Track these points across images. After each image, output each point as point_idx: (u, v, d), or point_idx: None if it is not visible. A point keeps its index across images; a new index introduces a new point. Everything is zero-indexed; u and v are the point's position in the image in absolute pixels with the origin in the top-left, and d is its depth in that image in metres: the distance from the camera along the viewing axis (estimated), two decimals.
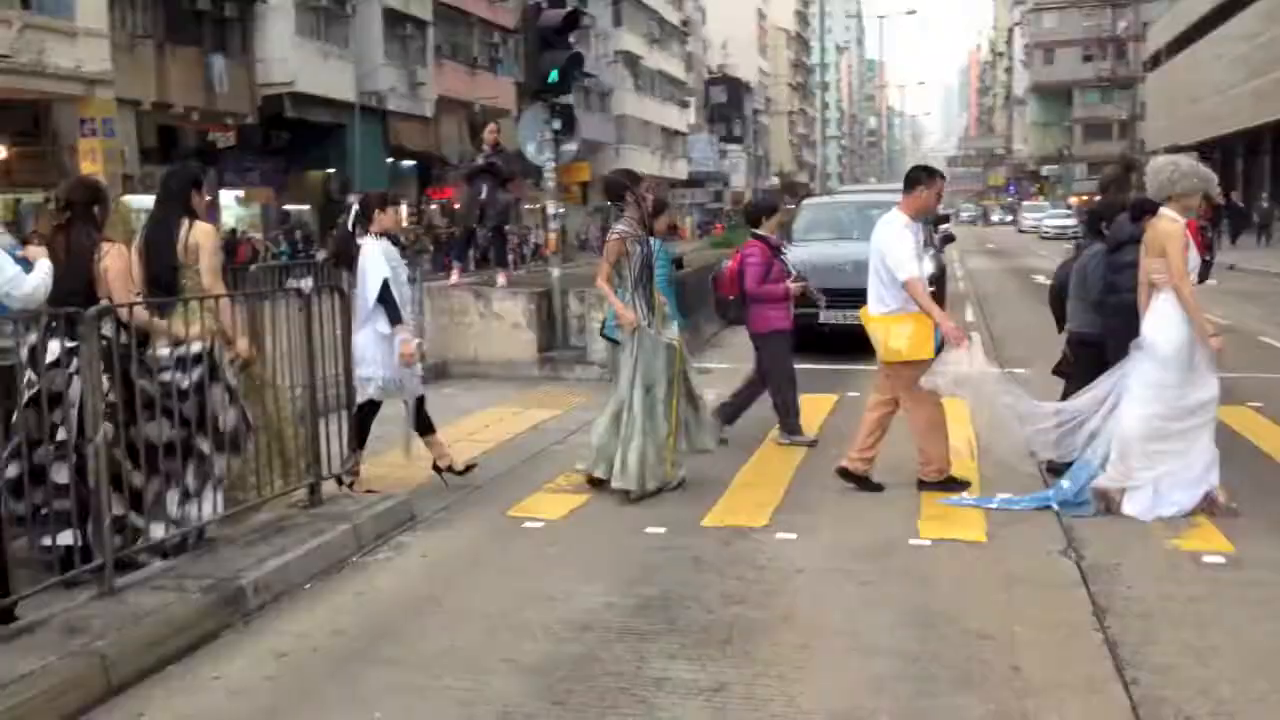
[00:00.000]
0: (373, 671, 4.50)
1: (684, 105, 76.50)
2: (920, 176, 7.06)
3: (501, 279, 12.59)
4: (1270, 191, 42.63)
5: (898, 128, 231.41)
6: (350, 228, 7.02)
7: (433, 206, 43.71)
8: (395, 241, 7.00)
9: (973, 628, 4.82)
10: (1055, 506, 6.47)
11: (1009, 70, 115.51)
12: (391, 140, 37.55)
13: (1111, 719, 4.02)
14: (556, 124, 11.76)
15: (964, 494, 6.85)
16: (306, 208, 35.98)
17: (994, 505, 6.61)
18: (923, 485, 6.97)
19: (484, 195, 12.33)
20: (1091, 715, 4.05)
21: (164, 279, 5.68)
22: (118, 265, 5.32)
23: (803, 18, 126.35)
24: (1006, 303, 20.59)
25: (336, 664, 4.60)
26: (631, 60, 63.64)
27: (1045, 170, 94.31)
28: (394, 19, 37.30)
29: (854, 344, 13.94)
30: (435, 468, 7.23)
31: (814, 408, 9.98)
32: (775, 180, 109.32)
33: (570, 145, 12.09)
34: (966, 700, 4.14)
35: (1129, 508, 6.31)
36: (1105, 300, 7.07)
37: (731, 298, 8.60)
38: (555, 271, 12.04)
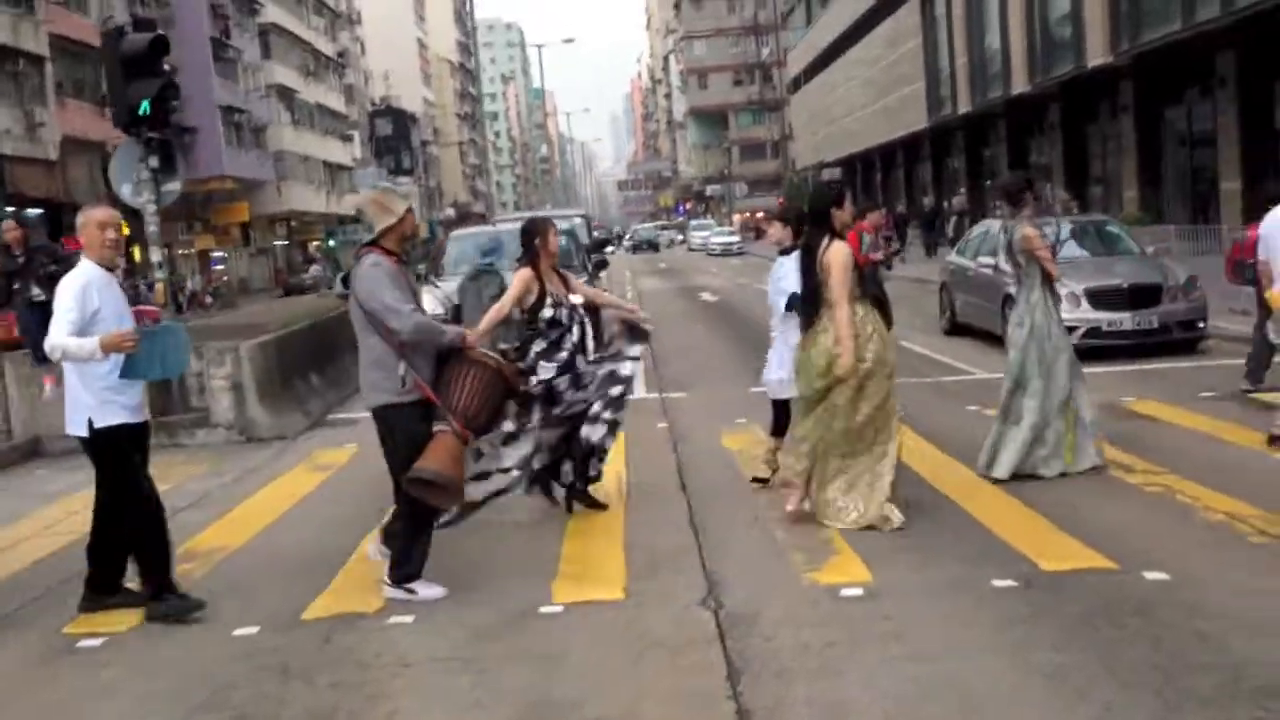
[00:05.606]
0: None
1: (347, 139, 74.39)
2: None
3: (48, 384, 10.65)
4: (908, 199, 46.00)
5: (570, 154, 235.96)
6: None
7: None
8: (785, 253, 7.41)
9: (596, 715, 4.23)
10: None
11: (668, 96, 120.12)
12: (9, 186, 33.91)
13: None
14: (154, 161, 10.47)
15: None
16: None
17: None
18: None
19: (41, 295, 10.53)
20: None
21: None
22: None
23: (465, 48, 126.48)
24: (672, 323, 20.70)
25: None
26: (286, 94, 61.10)
27: (710, 190, 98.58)
28: (4, 54, 33.79)
29: None
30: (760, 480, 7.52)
31: None
32: (451, 211, 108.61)
33: (172, 185, 10.82)
34: None
35: None
36: None
37: (1251, 261, 9.32)
38: None
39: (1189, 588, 5.13)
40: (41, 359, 10.61)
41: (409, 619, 5.38)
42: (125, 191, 10.85)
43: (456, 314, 11.19)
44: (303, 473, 9.22)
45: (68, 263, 9.86)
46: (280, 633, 5.30)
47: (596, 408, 6.86)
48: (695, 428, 9.93)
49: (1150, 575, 5.29)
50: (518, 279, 6.91)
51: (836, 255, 6.44)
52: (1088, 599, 5.06)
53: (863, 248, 11.36)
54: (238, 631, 5.33)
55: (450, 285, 13.67)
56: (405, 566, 5.66)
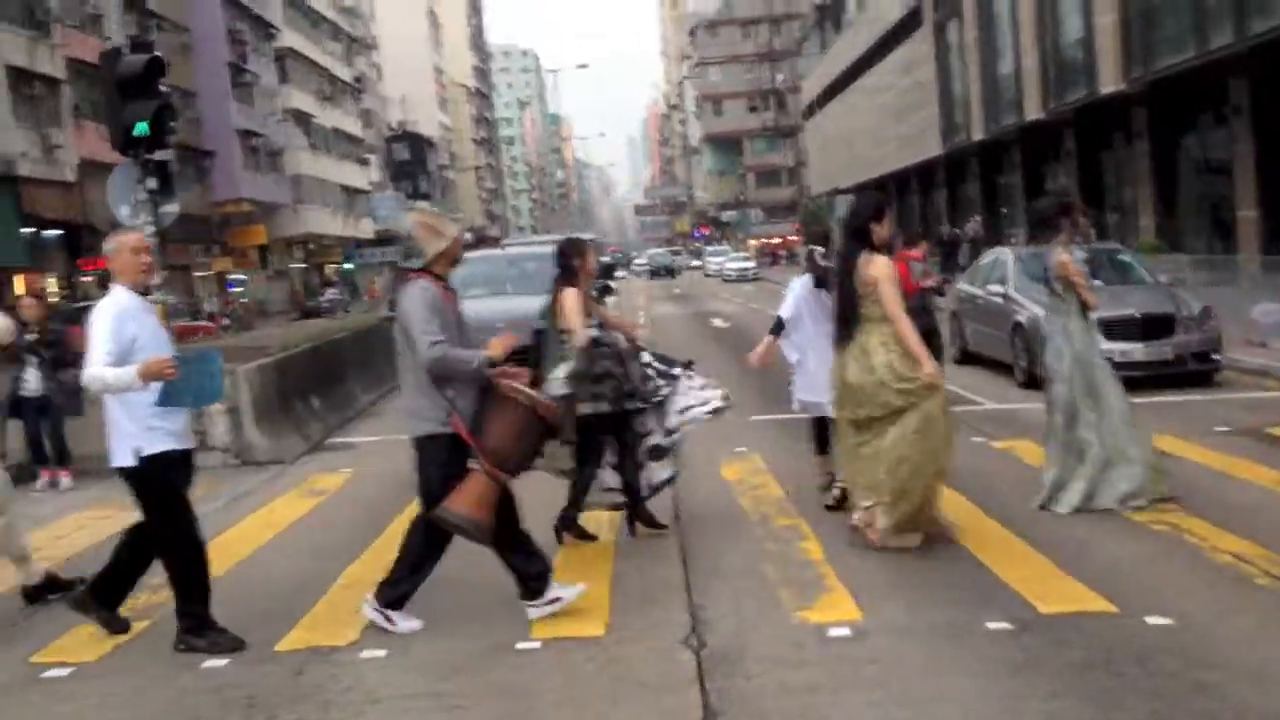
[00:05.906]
0: None
1: (364, 163, 74.67)
2: None
3: (65, 478, 10.14)
4: (923, 226, 45.77)
5: (586, 179, 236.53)
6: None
7: (86, 279, 40.11)
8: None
9: None
10: None
11: (684, 122, 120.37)
12: (27, 209, 34.06)
13: None
14: (151, 183, 10.39)
15: None
16: None
17: None
18: None
19: (34, 386, 9.88)
20: None
21: None
22: None
23: (482, 73, 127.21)
24: (680, 349, 20.40)
25: None
26: (303, 118, 61.38)
27: (725, 216, 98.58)
28: (21, 77, 33.99)
29: None
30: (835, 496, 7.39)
31: None
32: (469, 235, 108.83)
33: (170, 206, 10.74)
34: None
35: None
36: None
37: None
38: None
39: (1191, 633, 4.93)
40: (38, 459, 10.15)
41: (382, 653, 5.22)
42: (123, 213, 10.77)
43: (537, 339, 11.08)
44: (295, 498, 9.09)
45: (72, 350, 9.36)
46: (251, 665, 5.15)
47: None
48: (694, 456, 9.68)
49: (1152, 620, 5.09)
50: (570, 295, 6.78)
51: (882, 268, 6.26)
52: (1086, 645, 4.85)
53: (913, 276, 11.17)
54: (207, 664, 5.18)
55: None
56: (399, 588, 5.49)
